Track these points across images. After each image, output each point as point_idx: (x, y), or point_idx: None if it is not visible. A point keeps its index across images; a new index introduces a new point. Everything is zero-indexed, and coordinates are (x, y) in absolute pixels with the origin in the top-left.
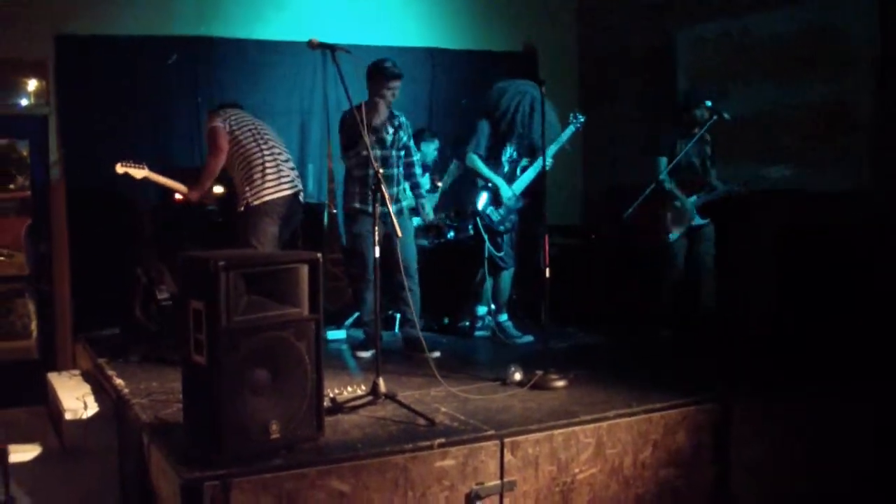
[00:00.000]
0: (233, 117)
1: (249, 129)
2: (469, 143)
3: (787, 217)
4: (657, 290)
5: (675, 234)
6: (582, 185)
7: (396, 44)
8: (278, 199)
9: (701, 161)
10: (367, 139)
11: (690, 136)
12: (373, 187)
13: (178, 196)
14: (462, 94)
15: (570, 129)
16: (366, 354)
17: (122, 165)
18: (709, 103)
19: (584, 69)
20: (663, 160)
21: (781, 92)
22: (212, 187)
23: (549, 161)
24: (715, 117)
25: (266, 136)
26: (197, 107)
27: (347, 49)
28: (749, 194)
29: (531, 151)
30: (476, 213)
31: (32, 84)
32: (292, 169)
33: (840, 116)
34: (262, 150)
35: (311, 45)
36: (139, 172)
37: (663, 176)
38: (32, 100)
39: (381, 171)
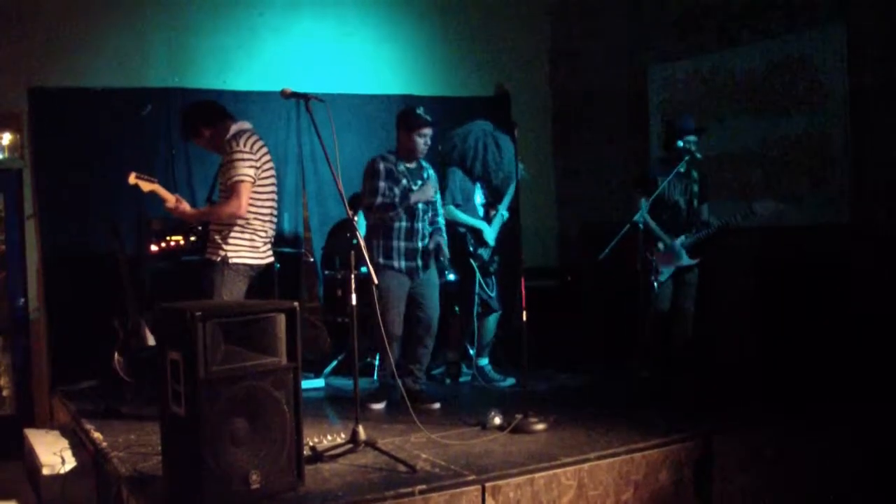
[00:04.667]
0: (263, 159)
1: (270, 184)
2: (443, 197)
3: (765, 250)
4: (636, 331)
5: (664, 275)
6: (556, 225)
7: (370, 91)
8: (255, 265)
9: (688, 199)
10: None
11: (670, 172)
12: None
13: (167, 205)
14: (438, 140)
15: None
16: (379, 406)
17: (135, 176)
18: (692, 138)
19: (557, 109)
20: (644, 202)
21: (755, 126)
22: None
23: (506, 212)
24: (687, 157)
25: (274, 192)
26: (172, 158)
27: (321, 98)
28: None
29: (495, 194)
30: (470, 254)
31: (6, 138)
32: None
33: (815, 149)
34: (271, 215)
35: (283, 94)
36: (147, 185)
37: (637, 217)
38: (6, 153)
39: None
